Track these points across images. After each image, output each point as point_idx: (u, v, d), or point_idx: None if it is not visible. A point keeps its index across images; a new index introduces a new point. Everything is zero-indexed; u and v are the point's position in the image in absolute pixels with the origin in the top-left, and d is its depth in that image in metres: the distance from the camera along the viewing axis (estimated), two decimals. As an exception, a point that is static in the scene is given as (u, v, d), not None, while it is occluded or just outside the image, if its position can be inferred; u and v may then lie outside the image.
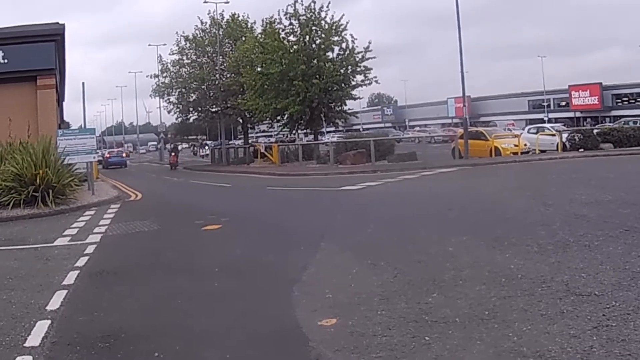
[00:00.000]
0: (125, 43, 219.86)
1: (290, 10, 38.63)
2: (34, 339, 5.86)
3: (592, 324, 5.14)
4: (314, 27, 37.98)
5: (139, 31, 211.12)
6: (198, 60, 51.48)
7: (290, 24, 39.04)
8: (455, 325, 5.46)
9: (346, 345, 5.21)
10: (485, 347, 4.88)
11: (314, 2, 37.99)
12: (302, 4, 38.29)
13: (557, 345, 4.74)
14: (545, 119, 73.66)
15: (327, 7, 37.96)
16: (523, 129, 41.02)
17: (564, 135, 31.96)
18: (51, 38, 25.58)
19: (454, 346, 4.97)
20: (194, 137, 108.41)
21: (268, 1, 46.67)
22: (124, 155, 64.63)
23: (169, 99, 53.99)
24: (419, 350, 4.95)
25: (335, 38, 37.86)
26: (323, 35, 37.81)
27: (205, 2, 48.07)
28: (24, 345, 5.72)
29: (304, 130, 44.37)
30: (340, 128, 72.05)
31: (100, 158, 47.63)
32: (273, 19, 41.29)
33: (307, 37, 38.09)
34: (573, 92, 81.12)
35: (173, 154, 49.96)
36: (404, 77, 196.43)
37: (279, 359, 5.23)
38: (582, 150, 29.35)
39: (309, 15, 38.08)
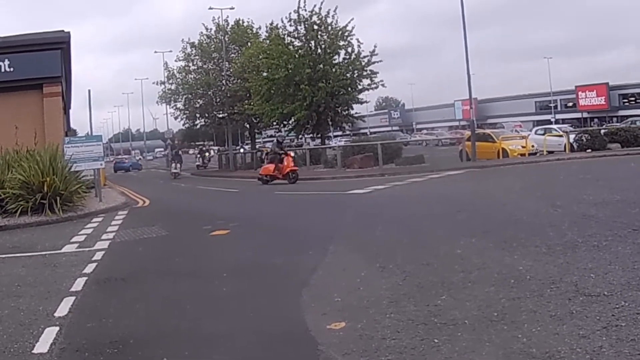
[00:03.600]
0: (137, 49, 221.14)
1: (294, 16, 38.71)
2: (43, 345, 5.86)
3: (601, 324, 5.10)
4: (320, 32, 37.98)
5: (151, 37, 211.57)
6: (204, 66, 51.65)
7: (295, 29, 39.07)
8: (464, 327, 5.43)
9: (355, 348, 5.18)
10: (494, 349, 4.85)
11: (320, 8, 38.08)
12: (306, 10, 38.38)
13: (567, 346, 4.71)
14: (553, 120, 73.52)
15: (335, 11, 38.06)
16: (530, 131, 40.95)
17: (572, 136, 31.91)
18: (57, 46, 25.66)
19: (463, 348, 4.94)
20: (201, 142, 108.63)
21: (272, 7, 46.79)
22: (125, 161, 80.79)
23: (175, 105, 54.24)
24: (428, 353, 4.93)
25: (341, 42, 37.85)
26: (329, 40, 37.81)
27: (210, 8, 48.29)
28: (32, 351, 5.71)
29: (311, 135, 44.34)
30: (347, 132, 72.01)
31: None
32: (276, 25, 41.36)
33: (313, 41, 38.11)
34: (580, 93, 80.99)
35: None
36: (415, 80, 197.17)
37: (288, 363, 5.21)
38: (589, 150, 29.28)
39: (313, 20, 38.07)
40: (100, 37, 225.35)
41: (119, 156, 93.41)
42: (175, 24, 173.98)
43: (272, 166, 28.03)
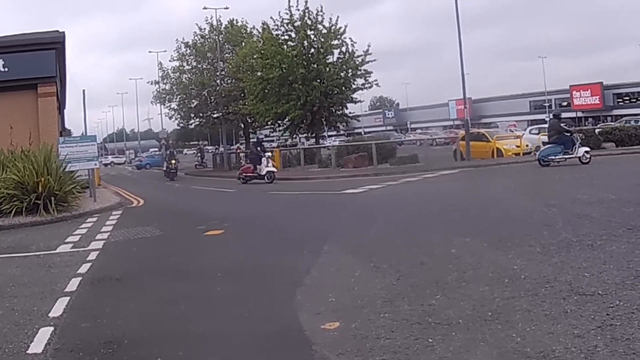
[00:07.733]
0: (133, 49, 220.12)
1: (286, 17, 38.64)
2: (37, 345, 5.85)
3: (596, 324, 5.11)
4: (310, 32, 37.94)
5: (149, 38, 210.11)
6: (198, 66, 51.54)
7: (286, 30, 38.99)
8: (458, 326, 5.44)
9: (349, 348, 5.19)
10: (488, 349, 4.86)
11: (307, 9, 38.01)
12: (298, 9, 38.33)
13: (561, 346, 4.72)
14: (547, 119, 73.53)
15: (321, 11, 37.93)
16: (525, 130, 40.99)
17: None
18: (52, 46, 25.55)
19: (458, 348, 4.94)
20: (196, 142, 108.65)
21: (266, 6, 46.80)
22: (142, 159, 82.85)
23: (170, 105, 54.09)
24: (423, 353, 4.93)
25: (335, 42, 37.79)
26: (322, 40, 37.75)
27: (204, 8, 48.21)
28: (27, 352, 5.71)
29: (305, 135, 44.30)
30: (342, 132, 71.96)
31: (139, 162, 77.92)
32: (268, 25, 41.25)
33: (305, 41, 38.05)
34: (574, 92, 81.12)
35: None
36: (410, 80, 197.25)
37: (283, 363, 5.21)
38: (584, 150, 29.30)
39: (304, 21, 37.99)
40: (98, 37, 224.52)
41: (138, 155, 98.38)
42: (175, 24, 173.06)
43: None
